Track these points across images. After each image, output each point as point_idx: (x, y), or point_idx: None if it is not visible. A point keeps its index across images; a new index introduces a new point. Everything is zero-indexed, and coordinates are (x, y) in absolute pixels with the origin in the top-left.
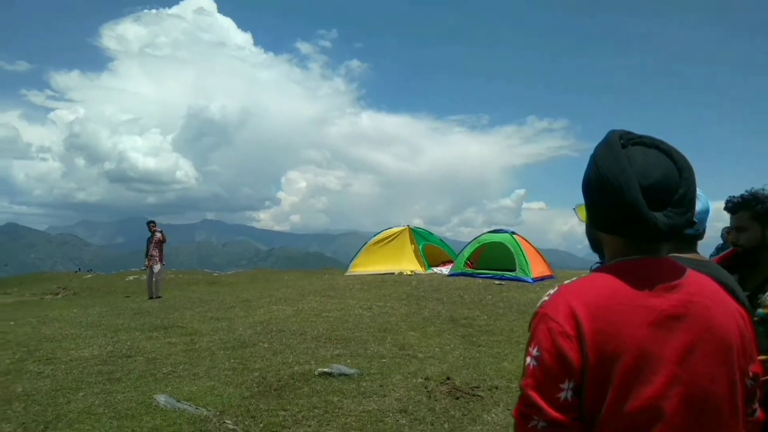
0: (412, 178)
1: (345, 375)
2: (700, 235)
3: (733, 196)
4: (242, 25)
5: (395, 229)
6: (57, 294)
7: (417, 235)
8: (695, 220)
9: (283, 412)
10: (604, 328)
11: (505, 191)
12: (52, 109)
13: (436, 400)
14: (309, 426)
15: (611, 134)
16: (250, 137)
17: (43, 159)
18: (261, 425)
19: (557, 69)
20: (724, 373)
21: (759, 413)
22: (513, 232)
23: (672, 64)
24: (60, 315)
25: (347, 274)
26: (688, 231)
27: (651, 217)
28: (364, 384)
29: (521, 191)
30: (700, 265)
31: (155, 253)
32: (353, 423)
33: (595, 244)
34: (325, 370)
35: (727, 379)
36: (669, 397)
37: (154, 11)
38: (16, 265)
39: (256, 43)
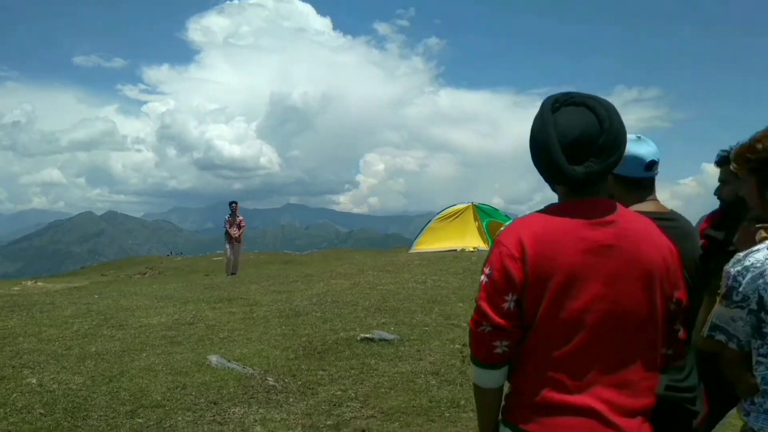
0: (491, 156)
1: (385, 340)
2: (653, 180)
3: (723, 150)
4: (321, 10)
5: (459, 206)
6: (144, 274)
7: (481, 211)
8: (651, 160)
9: (321, 372)
10: (543, 252)
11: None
12: (145, 102)
13: (469, 365)
14: (343, 384)
15: (545, 100)
16: (330, 122)
17: (138, 150)
18: (299, 383)
19: (645, 37)
20: (645, 296)
21: (682, 332)
22: None
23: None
24: (140, 290)
25: (411, 251)
26: (644, 175)
27: (569, 171)
28: (402, 348)
29: None
30: (665, 218)
31: (234, 232)
32: (385, 382)
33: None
34: (367, 335)
35: (648, 301)
36: (593, 311)
37: (236, 1)
38: (116, 250)
39: (335, 27)
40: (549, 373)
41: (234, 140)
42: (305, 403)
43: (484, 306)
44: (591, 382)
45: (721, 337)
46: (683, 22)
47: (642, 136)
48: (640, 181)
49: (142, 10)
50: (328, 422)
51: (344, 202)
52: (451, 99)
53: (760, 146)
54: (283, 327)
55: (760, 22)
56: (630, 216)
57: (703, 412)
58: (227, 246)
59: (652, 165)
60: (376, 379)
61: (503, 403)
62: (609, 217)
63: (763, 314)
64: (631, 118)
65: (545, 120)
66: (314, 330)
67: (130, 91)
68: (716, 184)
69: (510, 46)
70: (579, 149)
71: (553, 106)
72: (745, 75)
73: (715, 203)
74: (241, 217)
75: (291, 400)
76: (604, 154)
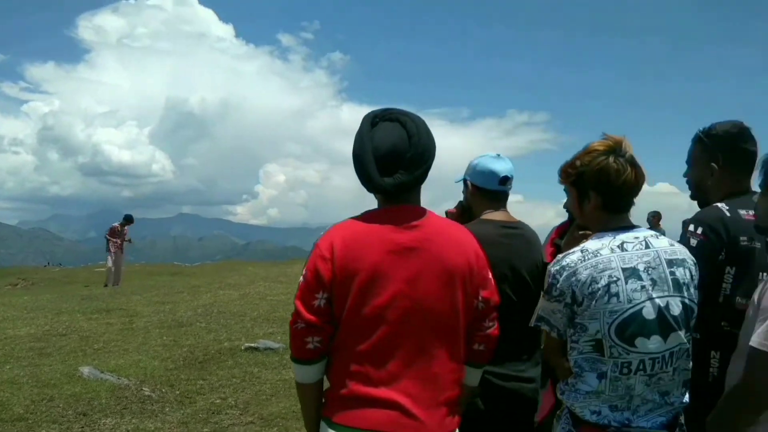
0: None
1: (270, 349)
2: (507, 194)
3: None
4: (224, 17)
5: None
6: (16, 285)
7: None
8: (504, 176)
9: (201, 381)
10: (350, 253)
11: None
12: (26, 101)
13: None
14: (224, 392)
15: (366, 115)
16: (229, 130)
17: (15, 152)
18: (177, 392)
19: (536, 62)
20: (446, 295)
21: (493, 329)
22: None
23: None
24: (8, 301)
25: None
26: (498, 188)
27: (380, 182)
28: (287, 357)
29: None
30: (510, 226)
31: (119, 242)
32: (267, 390)
33: None
34: (252, 345)
35: (450, 299)
36: (394, 308)
37: (133, 1)
38: None
39: (238, 34)
40: (355, 366)
41: (124, 145)
42: (182, 412)
43: (298, 304)
44: (395, 375)
45: (544, 327)
46: (572, 52)
47: (500, 155)
48: (495, 193)
49: (26, 2)
50: (205, 430)
51: (242, 213)
52: (354, 114)
53: (578, 163)
54: (164, 338)
55: (636, 62)
56: (437, 222)
57: (545, 403)
58: (109, 256)
59: (505, 180)
60: (258, 386)
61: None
62: (415, 222)
63: (575, 307)
64: (522, 140)
65: (363, 134)
66: (197, 340)
67: (9, 89)
68: None
69: (411, 67)
70: (390, 162)
71: (373, 120)
72: (620, 104)
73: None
74: (126, 232)
75: (167, 409)
76: (412, 166)
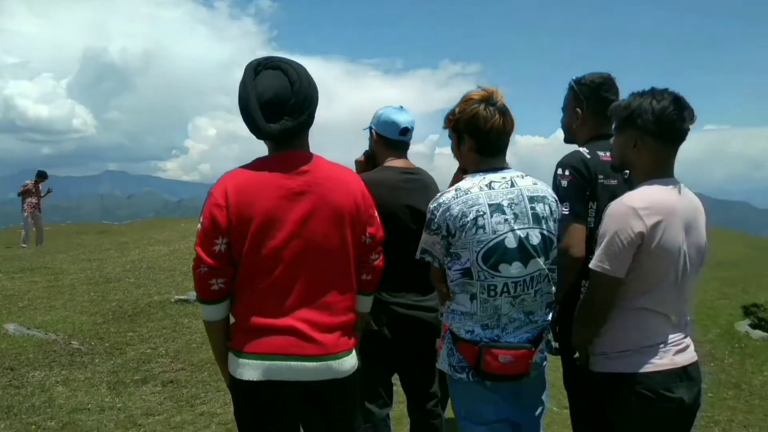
0: (327, 123)
1: None
2: (407, 143)
3: None
4: None
5: None
6: None
7: None
8: (404, 127)
9: (131, 333)
10: (244, 199)
11: (420, 137)
12: None
13: None
14: (154, 343)
15: (249, 63)
16: (154, 82)
17: None
18: (107, 344)
19: (469, 10)
20: (336, 233)
21: (378, 261)
22: None
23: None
24: None
25: None
26: (399, 138)
27: (266, 127)
28: None
29: (434, 136)
30: (409, 172)
31: (34, 200)
32: (197, 338)
33: None
34: (182, 297)
35: (339, 236)
36: (289, 247)
37: None
38: None
39: None
40: (257, 302)
41: (40, 99)
42: (112, 362)
43: (199, 251)
44: (293, 306)
45: (428, 258)
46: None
47: (403, 107)
48: (396, 142)
49: None
50: (136, 377)
51: (172, 168)
52: None
53: (457, 110)
54: (92, 294)
55: (563, 18)
56: (325, 166)
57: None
58: (26, 216)
59: (405, 131)
60: (188, 336)
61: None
62: (304, 168)
63: (450, 238)
64: (456, 91)
65: (246, 82)
66: (126, 295)
67: None
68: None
69: (343, 15)
70: (274, 108)
71: (256, 69)
72: (553, 54)
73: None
74: (40, 186)
75: (97, 360)
76: (296, 112)
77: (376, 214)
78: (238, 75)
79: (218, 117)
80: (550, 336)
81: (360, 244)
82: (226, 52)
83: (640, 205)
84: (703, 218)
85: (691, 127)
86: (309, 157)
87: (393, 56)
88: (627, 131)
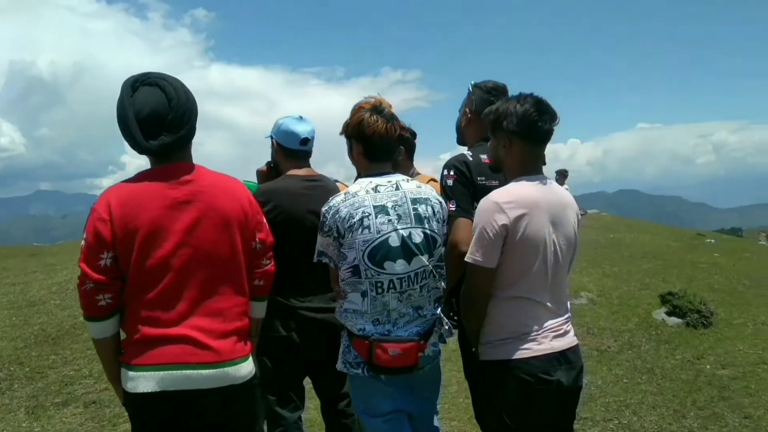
0: (268, 133)
1: None
2: (309, 152)
3: None
4: None
5: None
6: None
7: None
8: (305, 137)
9: (53, 356)
10: (128, 212)
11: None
12: None
13: None
14: (77, 365)
15: (126, 80)
16: (86, 96)
17: None
18: (27, 369)
19: (408, 19)
20: (225, 239)
21: (270, 266)
22: None
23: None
24: None
25: None
26: (300, 148)
27: (144, 144)
28: None
29: None
30: (312, 180)
31: None
32: None
33: None
34: None
35: (228, 242)
36: (177, 256)
37: None
38: None
39: None
40: (146, 313)
41: None
42: (32, 386)
43: (84, 267)
44: (185, 314)
45: (325, 260)
46: (443, 9)
47: (303, 117)
48: (297, 152)
49: None
50: (57, 400)
51: (108, 185)
52: (224, 75)
53: (348, 121)
54: (14, 318)
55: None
56: (209, 175)
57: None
58: None
59: (306, 141)
60: None
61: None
62: (187, 178)
63: (340, 239)
64: (397, 98)
65: (124, 99)
66: (50, 318)
67: None
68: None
69: (283, 24)
70: (152, 125)
71: (133, 86)
72: (488, 62)
73: None
74: None
75: (16, 386)
76: (174, 128)
77: (265, 220)
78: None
79: None
80: (444, 329)
81: (250, 250)
82: (161, 62)
83: (503, 199)
84: (572, 212)
85: (554, 127)
86: (191, 167)
87: (334, 65)
88: (497, 134)
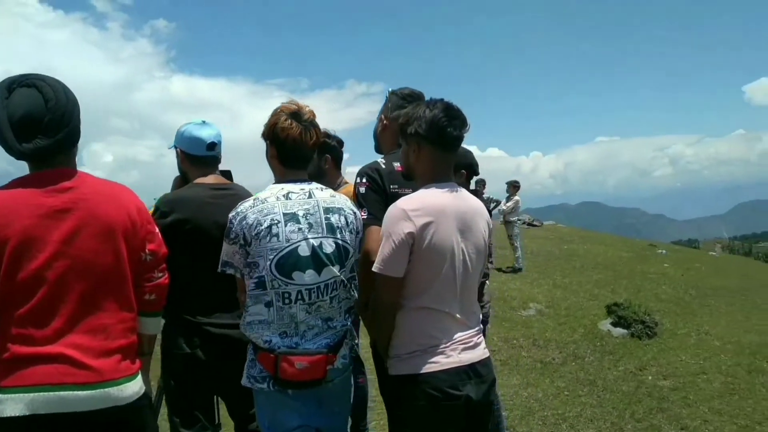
0: (233, 145)
1: None
2: (217, 158)
3: None
4: None
5: None
6: None
7: None
8: (211, 142)
9: None
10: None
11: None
12: None
13: None
14: None
15: (3, 81)
16: None
17: None
18: None
19: (371, 32)
20: (108, 249)
21: (163, 279)
22: None
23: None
24: None
25: None
26: (206, 154)
27: (18, 148)
28: None
29: (346, 155)
30: (221, 188)
31: None
32: None
33: None
34: None
35: (112, 253)
36: (53, 268)
37: None
38: None
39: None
40: (16, 330)
41: None
42: None
43: None
44: (61, 331)
45: (230, 271)
46: (406, 22)
47: (206, 121)
48: (203, 158)
49: None
50: None
51: None
52: (186, 86)
53: (266, 122)
54: None
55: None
56: (91, 182)
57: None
58: None
59: (213, 146)
60: None
61: None
62: (66, 184)
63: (247, 247)
64: (362, 110)
65: None
66: None
67: None
68: None
69: (245, 35)
70: (26, 128)
71: (9, 87)
72: (453, 73)
73: None
74: None
75: None
76: (51, 131)
77: (157, 230)
78: (137, 96)
79: (116, 142)
80: (356, 342)
81: (138, 261)
82: (120, 73)
83: (410, 207)
84: (482, 220)
85: (464, 134)
86: (72, 173)
87: (298, 76)
88: (408, 139)
